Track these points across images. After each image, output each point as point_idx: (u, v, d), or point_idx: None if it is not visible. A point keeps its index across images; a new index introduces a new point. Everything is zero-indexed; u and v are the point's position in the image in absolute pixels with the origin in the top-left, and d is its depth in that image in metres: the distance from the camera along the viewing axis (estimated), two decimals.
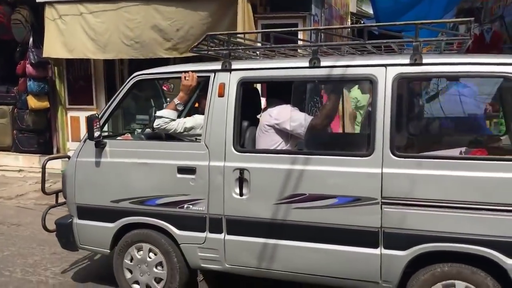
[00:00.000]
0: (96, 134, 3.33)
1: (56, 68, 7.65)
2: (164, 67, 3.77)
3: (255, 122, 3.48)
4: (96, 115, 3.43)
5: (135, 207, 3.34)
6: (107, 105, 3.59)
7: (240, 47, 3.44)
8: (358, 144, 3.30)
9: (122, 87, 3.53)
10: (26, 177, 7.72)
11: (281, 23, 6.38)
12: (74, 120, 7.78)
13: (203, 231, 3.20)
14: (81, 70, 7.71)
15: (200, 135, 3.27)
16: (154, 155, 3.31)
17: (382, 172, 2.78)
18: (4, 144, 8.16)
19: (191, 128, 3.47)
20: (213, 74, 3.22)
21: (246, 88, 3.23)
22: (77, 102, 7.65)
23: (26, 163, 8.06)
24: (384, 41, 3.06)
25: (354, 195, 2.85)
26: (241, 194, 3.07)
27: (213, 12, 6.37)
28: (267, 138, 3.31)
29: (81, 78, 7.71)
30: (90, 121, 3.31)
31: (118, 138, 3.83)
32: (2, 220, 5.70)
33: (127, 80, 3.52)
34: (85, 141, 3.51)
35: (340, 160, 2.91)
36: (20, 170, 7.96)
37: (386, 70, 2.82)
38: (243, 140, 3.35)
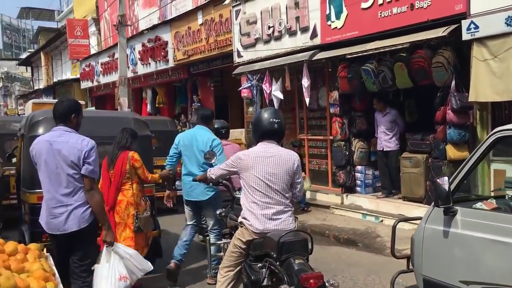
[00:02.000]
0: (445, 200, 2.98)
1: (478, 113, 6.65)
2: None
3: None
4: (445, 178, 3.02)
5: None
6: (461, 166, 3.22)
7: None
8: None
9: (481, 144, 3.16)
10: None
11: None
12: (498, 174, 6.53)
13: None
14: (509, 114, 6.44)
15: None
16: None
17: None
18: (416, 195, 7.70)
19: None
20: None
21: None
22: (504, 153, 6.38)
23: None
24: None
25: None
26: None
27: None
28: None
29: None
30: (435, 184, 3.02)
31: (479, 203, 3.29)
32: None
33: (487, 136, 3.14)
34: (434, 206, 3.21)
35: None
36: None
37: None
38: None
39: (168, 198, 5.44)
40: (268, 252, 3.39)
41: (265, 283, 3.45)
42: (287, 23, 9.20)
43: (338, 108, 8.67)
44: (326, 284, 3.13)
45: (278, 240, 3.22)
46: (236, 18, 10.66)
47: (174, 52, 13.90)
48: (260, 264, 3.47)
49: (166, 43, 14.27)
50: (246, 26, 10.35)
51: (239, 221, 3.65)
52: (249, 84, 10.20)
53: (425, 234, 3.26)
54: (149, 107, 17.06)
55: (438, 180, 3.00)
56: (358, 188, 8.79)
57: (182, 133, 5.48)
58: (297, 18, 8.97)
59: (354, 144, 8.72)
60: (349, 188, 8.85)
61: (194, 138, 5.20)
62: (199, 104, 14.38)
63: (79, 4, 25.92)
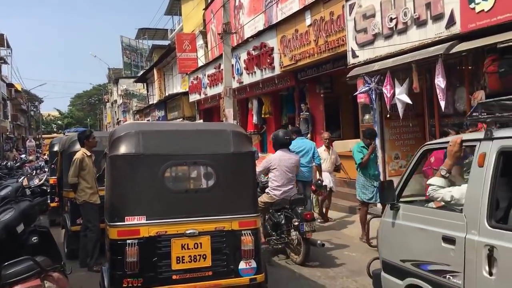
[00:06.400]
0: (390, 198, 3.92)
1: None
2: (448, 137, 4.09)
3: None
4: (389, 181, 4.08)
5: (414, 269, 3.61)
6: (402, 174, 4.12)
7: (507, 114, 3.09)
8: None
9: (413, 156, 4.06)
10: None
11: None
12: None
13: None
14: None
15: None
16: (428, 222, 3.52)
17: None
18: None
19: (458, 198, 3.33)
20: (478, 143, 3.20)
21: (508, 158, 3.01)
22: None
23: None
24: None
25: None
26: (490, 274, 2.90)
27: None
28: None
29: None
30: (383, 185, 4.03)
31: (431, 203, 3.90)
32: None
33: (418, 150, 4.01)
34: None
35: None
36: None
37: None
38: (500, 215, 3.08)
39: None
40: (284, 206, 6.75)
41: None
42: (414, 12, 7.63)
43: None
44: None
45: (289, 199, 6.70)
46: (350, 14, 9.30)
47: (281, 58, 12.92)
48: (279, 213, 6.84)
49: (272, 49, 13.35)
50: (362, 21, 8.95)
51: (266, 191, 7.04)
52: (367, 88, 8.77)
53: (382, 225, 4.12)
54: (255, 118, 16.31)
55: (383, 182, 4.08)
56: None
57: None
58: (428, 5, 7.38)
59: None
60: None
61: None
62: (308, 113, 13.25)
63: (188, 19, 26.34)
